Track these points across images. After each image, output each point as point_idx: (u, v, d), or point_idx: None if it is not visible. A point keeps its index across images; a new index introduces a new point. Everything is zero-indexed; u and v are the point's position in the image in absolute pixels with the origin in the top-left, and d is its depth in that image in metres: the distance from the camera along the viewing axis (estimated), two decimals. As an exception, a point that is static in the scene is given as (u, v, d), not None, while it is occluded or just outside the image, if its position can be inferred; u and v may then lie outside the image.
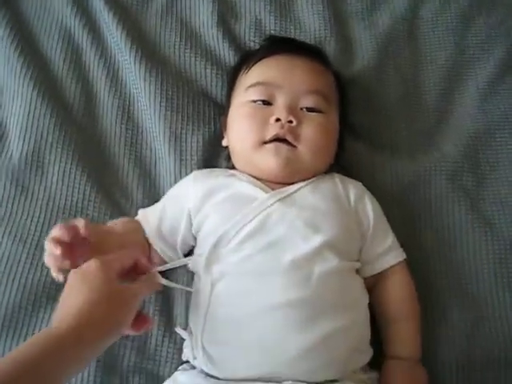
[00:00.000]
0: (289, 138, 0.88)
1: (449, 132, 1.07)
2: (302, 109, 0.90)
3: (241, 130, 0.91)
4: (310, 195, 0.88)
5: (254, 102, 0.91)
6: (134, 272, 0.76)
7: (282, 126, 0.87)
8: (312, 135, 0.88)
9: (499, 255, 0.96)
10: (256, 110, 0.90)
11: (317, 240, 0.82)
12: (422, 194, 1.01)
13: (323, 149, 0.91)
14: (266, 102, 0.90)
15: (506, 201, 1.00)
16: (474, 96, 1.08)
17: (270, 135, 0.88)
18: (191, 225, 0.90)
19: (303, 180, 0.90)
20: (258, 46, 1.07)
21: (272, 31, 1.12)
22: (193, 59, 1.09)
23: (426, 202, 1.00)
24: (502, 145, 1.04)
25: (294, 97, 0.90)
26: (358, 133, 1.05)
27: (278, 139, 0.88)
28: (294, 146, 0.88)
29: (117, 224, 0.90)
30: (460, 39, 1.13)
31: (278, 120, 0.88)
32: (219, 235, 0.83)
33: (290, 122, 0.88)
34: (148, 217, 0.92)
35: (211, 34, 1.11)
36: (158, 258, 0.91)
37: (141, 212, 0.94)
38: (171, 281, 0.93)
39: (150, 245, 0.90)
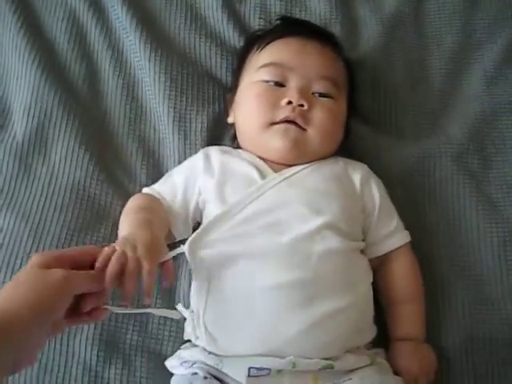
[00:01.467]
0: (299, 121, 0.88)
1: (455, 115, 1.06)
2: (313, 93, 0.90)
3: (250, 109, 0.91)
4: (311, 176, 0.88)
5: (267, 82, 0.91)
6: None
7: (293, 109, 0.87)
8: (322, 120, 0.89)
9: (503, 238, 0.96)
10: (268, 91, 0.90)
11: (317, 220, 0.82)
12: (427, 176, 1.01)
13: (332, 134, 0.91)
14: (279, 84, 0.90)
15: (512, 183, 1.00)
16: (481, 79, 1.08)
17: (280, 117, 0.88)
18: (198, 202, 0.90)
19: (307, 162, 0.90)
20: (263, 28, 1.07)
21: (277, 13, 1.11)
22: (197, 40, 1.09)
23: (431, 185, 1.00)
24: (507, 128, 1.04)
25: (306, 81, 0.90)
26: (364, 115, 1.05)
27: (287, 121, 0.88)
28: (304, 129, 0.88)
29: (145, 210, 0.86)
30: (467, 22, 1.12)
31: (289, 103, 0.88)
32: (216, 216, 0.83)
33: (301, 105, 0.88)
34: (162, 193, 0.91)
35: (216, 16, 1.11)
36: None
37: (148, 189, 0.93)
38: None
39: None
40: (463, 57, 1.11)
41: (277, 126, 0.88)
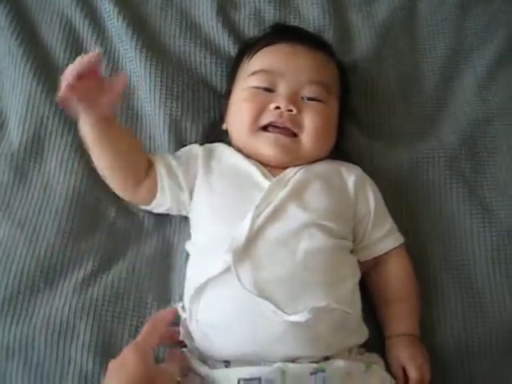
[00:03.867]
0: (289, 125, 0.89)
1: (447, 120, 1.07)
2: (302, 98, 0.91)
3: (238, 113, 0.92)
4: (303, 177, 0.88)
5: (256, 88, 0.92)
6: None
7: (281, 115, 0.88)
8: (313, 123, 0.89)
9: (496, 241, 0.96)
10: (256, 96, 0.91)
11: (304, 217, 0.82)
12: (420, 180, 1.01)
13: (323, 136, 0.92)
14: (268, 90, 0.91)
15: (505, 188, 1.01)
16: (473, 84, 1.09)
17: (265, 121, 0.89)
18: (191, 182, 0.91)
19: (300, 164, 0.90)
20: (255, 36, 1.07)
21: (271, 21, 1.12)
22: (193, 48, 1.10)
23: (423, 189, 1.01)
24: (500, 132, 1.05)
25: (295, 86, 0.91)
26: (357, 120, 1.06)
27: (276, 127, 0.89)
28: (295, 136, 0.89)
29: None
30: (458, 28, 1.14)
31: (277, 108, 0.89)
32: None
33: (290, 110, 0.88)
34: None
35: (211, 24, 1.12)
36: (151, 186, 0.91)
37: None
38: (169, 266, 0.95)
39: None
40: (455, 62, 1.12)
41: (266, 134, 0.89)
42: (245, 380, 0.74)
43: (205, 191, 0.89)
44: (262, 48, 0.96)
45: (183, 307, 0.85)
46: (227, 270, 0.78)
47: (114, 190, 0.94)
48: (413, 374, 0.82)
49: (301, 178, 0.88)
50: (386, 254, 0.90)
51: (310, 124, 0.89)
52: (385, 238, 0.90)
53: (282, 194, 0.85)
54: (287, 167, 0.90)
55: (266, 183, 0.87)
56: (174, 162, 0.92)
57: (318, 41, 1.00)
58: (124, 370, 0.70)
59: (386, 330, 0.89)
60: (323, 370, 0.76)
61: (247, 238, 0.80)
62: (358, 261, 0.88)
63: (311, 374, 0.75)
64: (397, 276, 0.90)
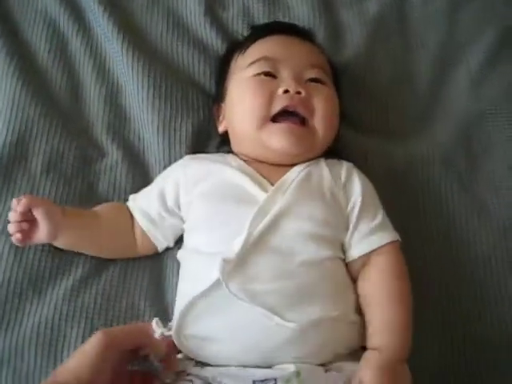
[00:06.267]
0: (300, 109, 0.86)
1: (441, 117, 1.07)
2: (306, 81, 0.89)
3: (246, 105, 0.88)
4: (302, 183, 0.85)
5: (258, 75, 0.89)
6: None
7: (292, 98, 0.86)
8: (324, 105, 0.88)
9: (493, 239, 0.96)
10: (261, 83, 0.88)
11: (301, 228, 0.80)
12: (416, 179, 1.01)
13: (333, 121, 0.90)
14: (270, 74, 0.89)
15: (500, 184, 1.00)
16: (466, 80, 1.09)
17: (278, 107, 0.86)
18: (179, 208, 0.89)
19: (303, 162, 0.87)
20: (246, 34, 1.06)
21: (260, 19, 1.11)
22: (180, 47, 1.08)
23: (419, 187, 1.00)
24: (494, 128, 1.05)
25: (298, 69, 0.89)
26: (350, 119, 1.04)
27: (287, 111, 0.86)
28: (303, 124, 0.86)
29: (100, 206, 0.93)
30: (450, 24, 1.13)
31: (285, 92, 0.86)
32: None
33: (299, 93, 0.86)
34: (136, 199, 0.93)
35: (199, 23, 1.11)
36: (146, 241, 0.91)
37: (131, 196, 0.94)
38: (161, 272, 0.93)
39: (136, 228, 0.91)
40: (448, 58, 1.11)
41: (278, 125, 0.86)
42: (260, 381, 0.72)
43: (197, 209, 0.86)
44: (256, 40, 0.94)
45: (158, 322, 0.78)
46: (218, 282, 0.75)
47: None
48: None
49: (299, 186, 0.84)
50: (376, 252, 0.82)
51: (321, 106, 0.87)
52: (374, 232, 0.82)
53: (278, 204, 0.81)
54: (292, 165, 0.87)
55: (262, 195, 0.82)
56: (153, 207, 0.90)
57: (305, 33, 1.00)
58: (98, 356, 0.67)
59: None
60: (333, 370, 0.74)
61: (241, 251, 0.76)
62: (348, 263, 0.83)
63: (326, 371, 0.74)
64: (382, 278, 0.80)
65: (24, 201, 0.83)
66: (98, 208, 0.92)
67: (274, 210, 0.80)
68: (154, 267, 0.94)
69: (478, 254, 0.95)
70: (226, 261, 0.75)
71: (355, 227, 0.83)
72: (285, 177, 0.85)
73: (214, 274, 0.75)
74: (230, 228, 0.80)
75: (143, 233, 0.91)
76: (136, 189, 0.96)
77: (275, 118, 0.87)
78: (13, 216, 0.84)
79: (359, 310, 0.80)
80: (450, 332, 0.91)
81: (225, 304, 0.75)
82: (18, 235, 0.84)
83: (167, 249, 0.94)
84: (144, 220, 0.90)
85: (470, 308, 0.92)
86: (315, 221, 0.81)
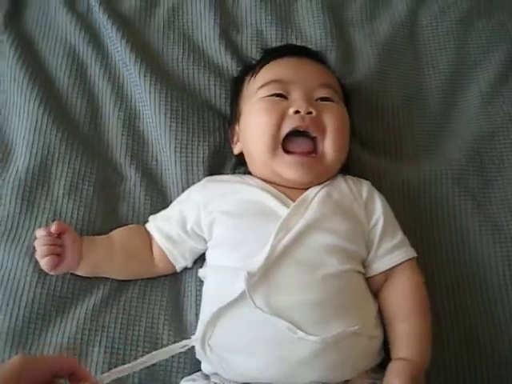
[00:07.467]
0: (311, 129, 0.88)
1: (453, 136, 1.07)
2: (316, 100, 0.91)
3: (258, 125, 0.90)
4: (323, 199, 0.87)
5: (269, 96, 0.91)
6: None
7: (303, 119, 0.88)
8: (334, 121, 0.89)
9: (507, 257, 0.96)
10: (272, 103, 0.90)
11: (324, 242, 0.82)
12: (428, 198, 1.01)
13: (344, 139, 0.92)
14: (281, 95, 0.91)
15: (513, 203, 1.00)
16: (477, 99, 1.09)
17: (289, 127, 0.88)
18: (201, 229, 0.91)
19: (322, 182, 0.90)
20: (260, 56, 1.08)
21: (273, 42, 1.13)
22: (196, 71, 1.10)
23: (432, 207, 1.00)
24: (506, 147, 1.05)
25: (308, 90, 0.91)
26: (363, 140, 1.06)
27: (298, 132, 0.88)
28: (314, 147, 0.88)
29: (116, 230, 0.95)
30: (461, 43, 1.15)
31: (296, 112, 0.88)
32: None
33: (310, 113, 0.88)
34: (156, 219, 0.95)
35: (214, 47, 1.13)
36: (165, 260, 0.92)
37: (151, 217, 0.96)
38: (180, 291, 0.94)
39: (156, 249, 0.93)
40: (459, 78, 1.12)
41: (287, 158, 0.88)
42: None
43: (220, 226, 0.88)
44: (266, 63, 0.96)
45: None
46: (243, 295, 0.77)
47: None
48: None
49: (321, 201, 0.86)
50: (396, 268, 0.86)
51: (332, 123, 0.89)
52: (394, 250, 0.86)
53: (302, 220, 0.83)
54: (309, 187, 0.89)
55: (283, 210, 0.85)
56: (173, 228, 0.92)
57: (315, 54, 1.02)
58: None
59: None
60: None
61: (265, 264, 0.79)
62: (369, 278, 0.86)
63: None
64: (403, 293, 0.84)
65: (58, 224, 0.85)
66: (113, 233, 0.94)
67: (300, 223, 0.83)
68: (173, 287, 0.95)
69: (493, 272, 0.95)
70: (250, 273, 0.77)
71: (378, 244, 0.87)
72: (306, 193, 0.88)
73: (239, 286, 0.77)
74: (253, 242, 0.82)
75: (162, 252, 0.92)
76: (154, 211, 0.98)
77: (286, 144, 0.89)
78: (45, 240, 0.85)
79: (378, 325, 0.83)
80: (460, 346, 0.92)
81: (249, 316, 0.77)
82: (51, 259, 0.84)
83: (186, 268, 0.95)
84: (163, 239, 0.92)
85: (484, 325, 0.93)
86: (338, 234, 0.83)
